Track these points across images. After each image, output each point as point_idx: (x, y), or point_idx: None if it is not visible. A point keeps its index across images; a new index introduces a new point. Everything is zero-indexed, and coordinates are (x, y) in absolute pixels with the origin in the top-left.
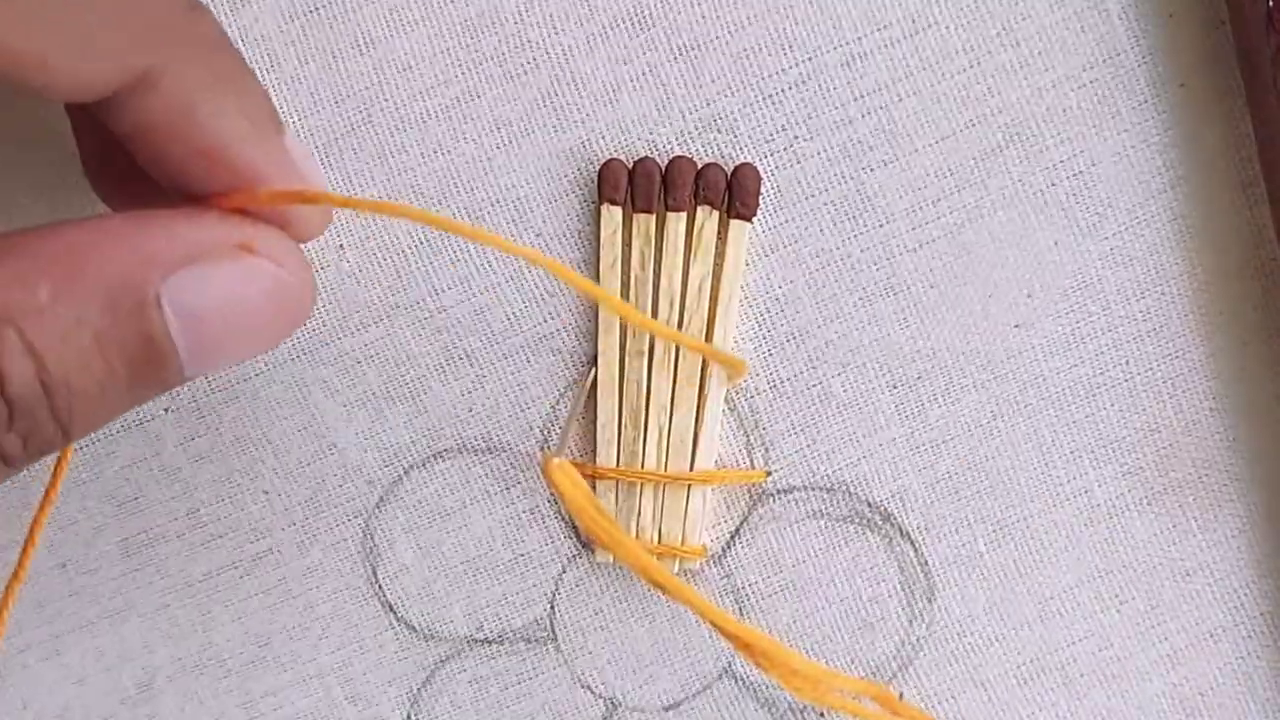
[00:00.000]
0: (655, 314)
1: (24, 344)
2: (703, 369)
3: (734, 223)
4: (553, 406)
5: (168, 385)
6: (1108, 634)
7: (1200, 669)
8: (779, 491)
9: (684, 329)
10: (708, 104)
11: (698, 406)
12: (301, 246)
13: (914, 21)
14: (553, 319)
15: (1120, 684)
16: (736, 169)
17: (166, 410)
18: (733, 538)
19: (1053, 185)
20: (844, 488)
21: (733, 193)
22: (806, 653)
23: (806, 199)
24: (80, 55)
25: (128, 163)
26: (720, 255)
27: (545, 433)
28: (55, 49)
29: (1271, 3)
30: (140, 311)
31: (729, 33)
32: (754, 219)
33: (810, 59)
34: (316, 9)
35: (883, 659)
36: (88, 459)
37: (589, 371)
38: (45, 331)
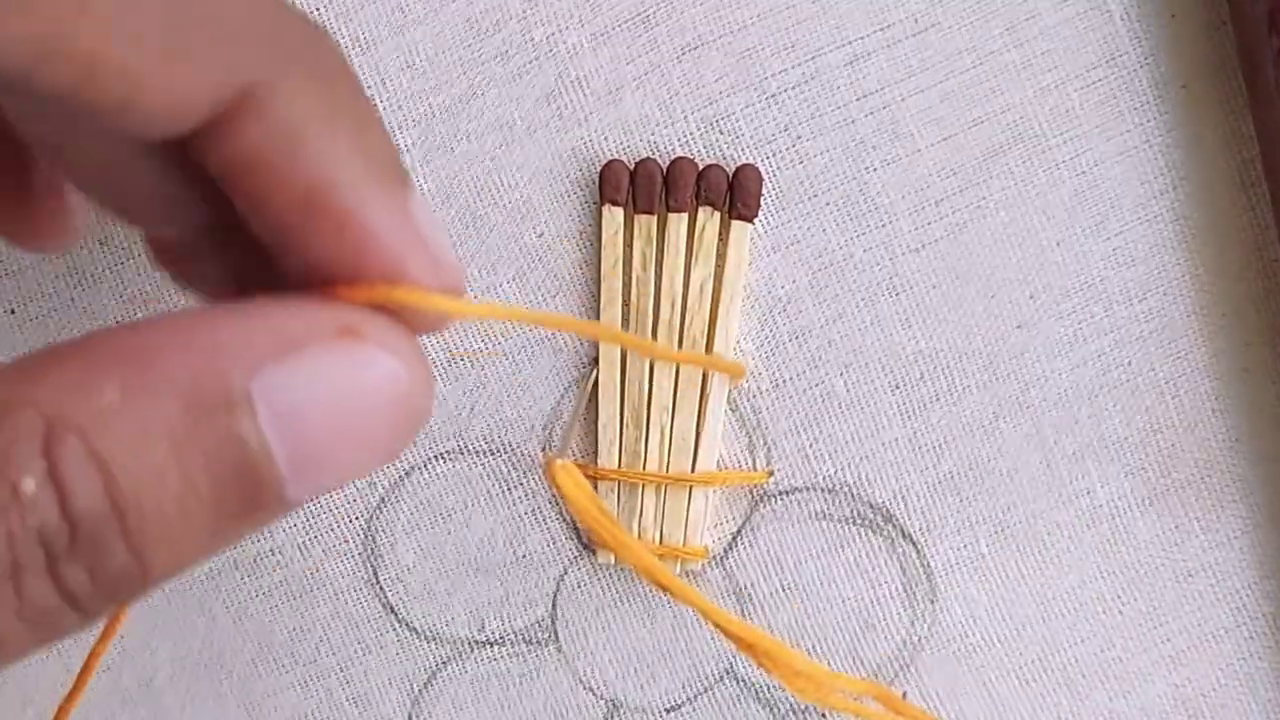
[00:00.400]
0: (657, 315)
1: (88, 453)
2: (704, 370)
3: (735, 224)
4: (554, 407)
5: (266, 509)
6: (1110, 635)
7: (1202, 670)
8: (781, 492)
9: (686, 330)
10: (710, 104)
11: (699, 407)
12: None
13: (916, 21)
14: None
15: (1122, 685)
16: (738, 170)
17: None
18: (735, 539)
19: (1055, 186)
20: (846, 489)
21: (734, 193)
22: (808, 653)
23: (809, 199)
24: (175, 66)
25: (212, 238)
26: (722, 256)
27: (547, 434)
28: (144, 56)
29: (1273, 4)
30: (227, 411)
31: (731, 33)
32: (756, 220)
33: (813, 59)
34: (318, 9)
35: (885, 660)
36: None
37: (590, 372)
38: (113, 439)
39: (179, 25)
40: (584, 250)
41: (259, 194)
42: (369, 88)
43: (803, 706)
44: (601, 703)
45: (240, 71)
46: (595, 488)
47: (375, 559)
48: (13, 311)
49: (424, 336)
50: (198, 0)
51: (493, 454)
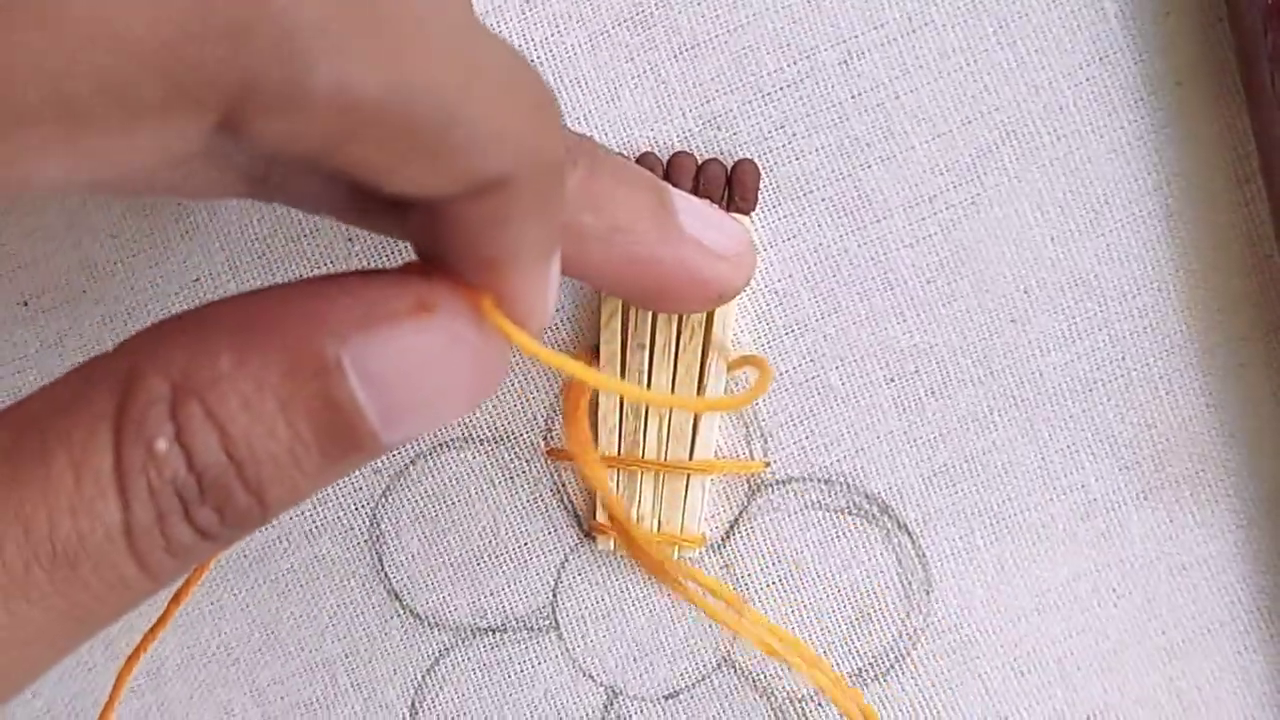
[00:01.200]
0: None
1: (206, 414)
2: (702, 362)
3: (734, 217)
4: (556, 397)
5: (367, 451)
6: (1104, 627)
7: (1197, 663)
8: (778, 482)
9: (684, 320)
10: (707, 102)
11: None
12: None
13: (910, 20)
14: (556, 311)
15: (1117, 677)
16: (736, 164)
17: None
18: (732, 527)
19: (1048, 182)
20: (842, 479)
21: (732, 188)
22: (805, 643)
23: (804, 195)
24: (431, 170)
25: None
26: None
27: (549, 423)
28: (408, 164)
29: (1269, 2)
30: (322, 376)
31: (728, 32)
32: (753, 214)
33: (808, 57)
34: None
35: (880, 650)
36: None
37: (591, 362)
38: (227, 401)
39: (443, 134)
40: None
41: (448, 250)
42: None
43: (799, 695)
44: (601, 689)
45: (484, 171)
46: None
47: (380, 546)
48: (26, 303)
49: None
50: (466, 105)
51: (496, 443)
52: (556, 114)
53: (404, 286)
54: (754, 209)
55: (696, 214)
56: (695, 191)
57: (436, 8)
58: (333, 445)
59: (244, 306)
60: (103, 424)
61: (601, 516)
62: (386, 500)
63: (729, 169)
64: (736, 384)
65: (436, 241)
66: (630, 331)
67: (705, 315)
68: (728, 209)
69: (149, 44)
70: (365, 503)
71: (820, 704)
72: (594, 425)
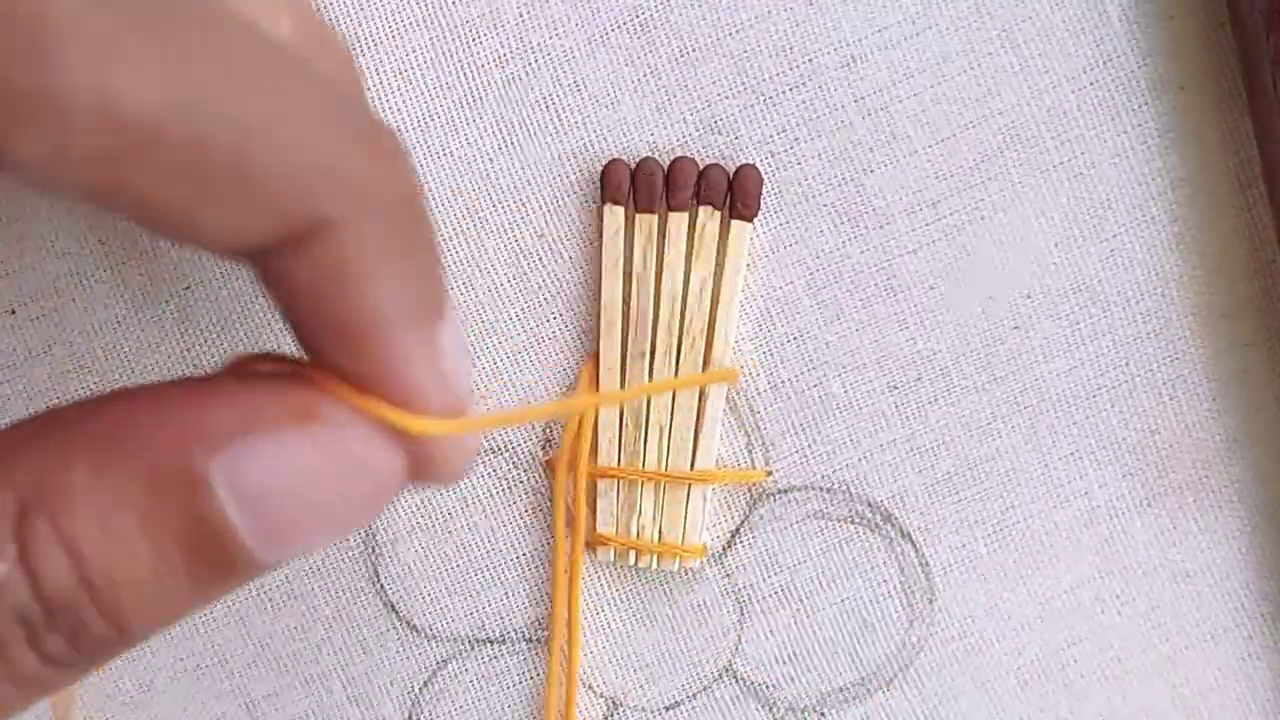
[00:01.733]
0: (656, 314)
1: (57, 534)
2: (704, 369)
3: (735, 223)
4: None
5: (241, 573)
6: (1108, 635)
7: (1201, 670)
8: (779, 491)
9: (685, 329)
10: (708, 106)
11: (698, 406)
12: None
13: (913, 23)
14: (555, 319)
15: (1121, 685)
16: (738, 170)
17: None
18: (733, 537)
19: (1052, 187)
20: (844, 488)
21: (734, 193)
22: (807, 653)
23: (806, 201)
24: (236, 209)
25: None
26: (721, 255)
27: (547, 433)
28: (206, 203)
29: (1270, 5)
30: (189, 490)
31: (729, 35)
32: (755, 220)
33: (810, 61)
34: (316, 10)
35: (883, 660)
36: None
37: (592, 370)
38: (81, 518)
39: (243, 164)
40: (584, 251)
41: (297, 313)
42: (369, 89)
43: (801, 704)
44: (601, 700)
45: (301, 209)
46: (595, 485)
47: (376, 557)
48: (13, 311)
49: None
50: (271, 132)
51: (493, 453)
52: (393, 145)
53: (286, 392)
54: (756, 215)
55: (454, 332)
56: (696, 197)
57: (230, 9)
58: (202, 567)
59: (107, 410)
60: None
61: (604, 526)
62: (382, 511)
63: (731, 174)
64: (738, 392)
65: (286, 308)
66: (630, 339)
67: (707, 323)
68: (730, 215)
69: None
70: None
71: (823, 714)
72: (594, 435)
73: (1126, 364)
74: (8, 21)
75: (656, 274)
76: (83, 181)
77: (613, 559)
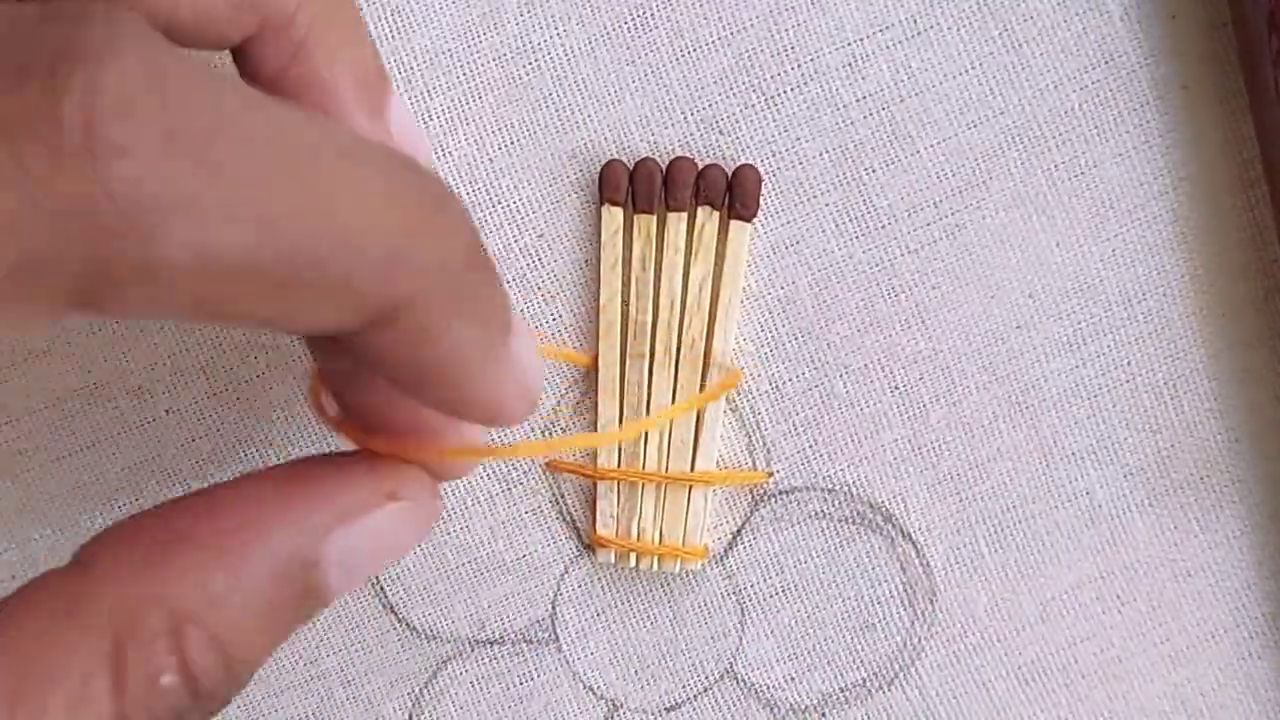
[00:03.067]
0: (656, 315)
1: (209, 640)
2: (704, 370)
3: (734, 224)
4: (554, 408)
5: (315, 614)
6: (1109, 634)
7: (1202, 670)
8: (781, 492)
9: (685, 329)
10: (709, 105)
11: (698, 408)
12: None
13: (915, 23)
14: (554, 321)
15: (1122, 684)
16: (737, 170)
17: (168, 412)
18: (735, 538)
19: (1054, 186)
20: (846, 489)
21: (733, 193)
22: (809, 653)
23: (808, 200)
24: (325, 309)
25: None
26: (721, 256)
27: (547, 434)
28: (289, 311)
29: (1274, 4)
30: (306, 572)
31: (730, 34)
32: (755, 220)
33: (812, 60)
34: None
35: (885, 660)
36: (90, 461)
37: (590, 370)
38: (225, 620)
39: (326, 272)
40: (584, 251)
41: (391, 372)
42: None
43: (803, 706)
44: (602, 702)
45: (382, 299)
46: (595, 487)
47: None
48: None
49: None
50: (350, 239)
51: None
52: (450, 206)
53: (375, 479)
54: (755, 215)
55: (525, 341)
56: (695, 197)
57: (288, 142)
58: (298, 625)
59: (223, 517)
60: (100, 667)
61: (604, 528)
62: None
63: (730, 174)
64: (739, 393)
65: (379, 369)
66: (630, 341)
67: (706, 324)
68: (729, 215)
69: None
70: None
71: (824, 714)
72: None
73: (1128, 363)
74: (105, 204)
75: (655, 275)
76: (179, 315)
77: (613, 561)
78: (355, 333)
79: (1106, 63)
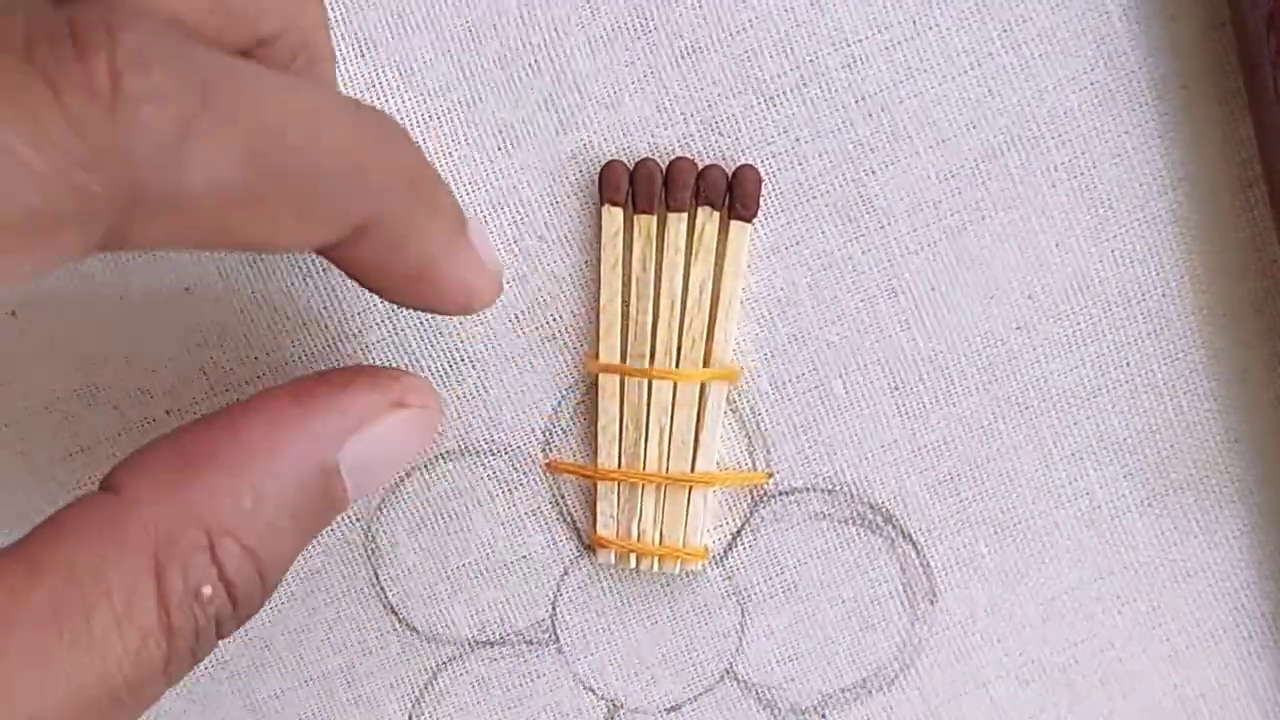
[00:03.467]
0: (656, 315)
1: (242, 549)
2: (704, 370)
3: (734, 224)
4: (555, 409)
5: (335, 516)
6: (1109, 635)
7: (1202, 670)
8: (781, 493)
9: (685, 329)
10: (709, 106)
11: (698, 408)
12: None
13: (915, 24)
14: (555, 321)
15: (1122, 685)
16: (737, 170)
17: (168, 413)
18: (735, 539)
19: (1053, 187)
20: (846, 489)
21: (733, 194)
22: (809, 654)
23: (808, 201)
24: (304, 224)
25: None
26: (721, 256)
27: (546, 435)
28: (282, 228)
29: (1273, 4)
30: (326, 481)
31: (730, 35)
32: (755, 220)
33: (811, 61)
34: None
35: (885, 660)
36: (92, 461)
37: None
38: (255, 532)
39: (314, 197)
40: (585, 253)
41: (365, 276)
42: (371, 90)
43: (803, 707)
44: (602, 703)
45: (358, 216)
46: (595, 488)
47: (377, 560)
48: (14, 313)
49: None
50: (328, 166)
51: (493, 455)
52: (396, 131)
53: (381, 389)
54: (755, 215)
55: (476, 230)
56: (695, 197)
57: (270, 85)
58: (320, 528)
59: (247, 434)
60: (143, 582)
61: (604, 529)
62: (382, 514)
63: (730, 175)
64: (740, 394)
65: (354, 275)
66: (630, 341)
67: (707, 324)
68: (729, 215)
69: (41, 177)
70: (361, 516)
71: (824, 715)
72: (593, 437)
73: (1127, 364)
74: (139, 139)
75: (656, 275)
76: (193, 241)
77: (613, 562)
78: (334, 247)
79: (1106, 63)
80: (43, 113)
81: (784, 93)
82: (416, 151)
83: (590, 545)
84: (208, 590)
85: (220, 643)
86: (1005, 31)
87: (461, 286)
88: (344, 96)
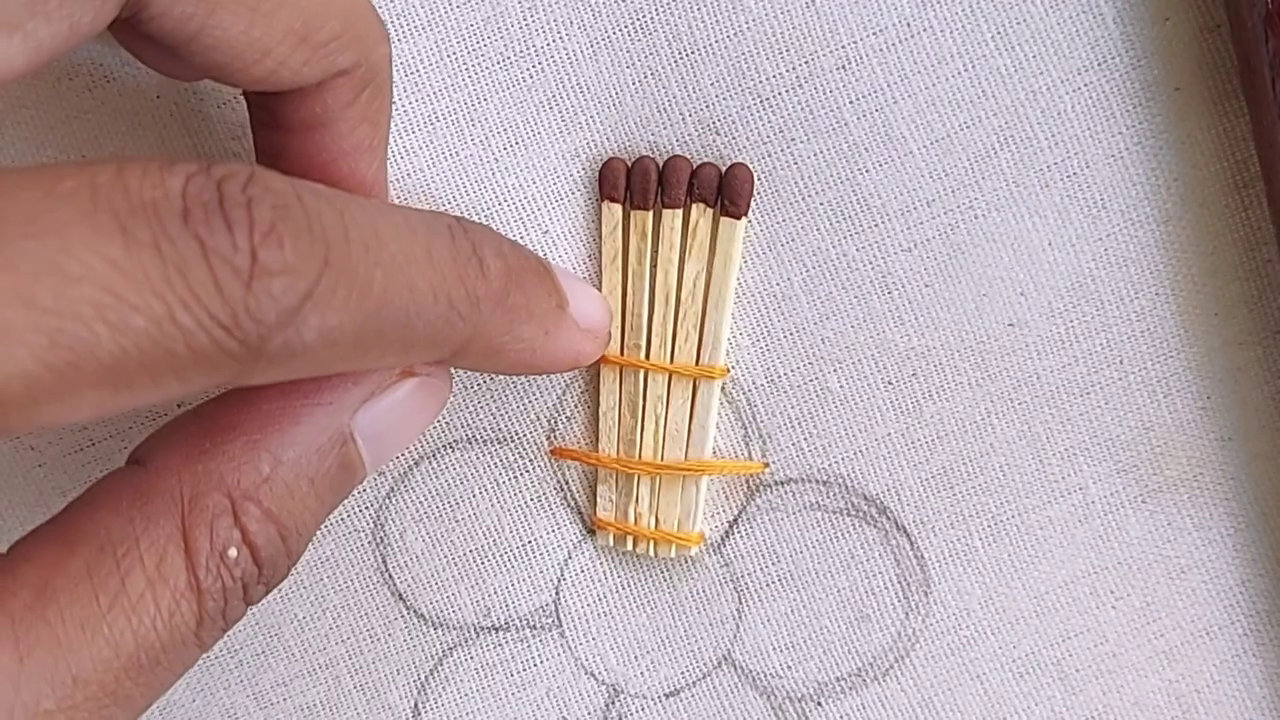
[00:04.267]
0: (651, 308)
1: (264, 515)
2: (696, 362)
3: (726, 220)
4: (559, 397)
5: (355, 484)
6: (1103, 630)
7: (1195, 666)
8: (777, 483)
9: (680, 323)
10: (707, 107)
11: (692, 396)
12: None
13: (909, 25)
14: None
15: (1116, 679)
16: (730, 168)
17: (180, 406)
18: (731, 527)
19: (1047, 187)
20: (841, 481)
21: (725, 191)
22: (805, 642)
23: (803, 199)
24: (402, 358)
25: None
26: (714, 252)
27: (551, 423)
28: (383, 363)
29: (1271, 6)
30: (342, 448)
31: (727, 38)
32: (746, 217)
33: (806, 63)
34: None
35: (879, 651)
36: (102, 454)
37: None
38: (276, 497)
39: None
40: (588, 247)
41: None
42: None
43: (799, 693)
44: (602, 688)
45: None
46: (596, 473)
47: (385, 547)
48: None
49: None
50: (417, 314)
51: (499, 443)
52: (475, 249)
53: None
54: (746, 213)
55: (580, 295)
56: (689, 194)
57: (372, 235)
58: (341, 495)
59: (255, 401)
60: (172, 546)
61: (603, 512)
62: (390, 502)
63: (723, 173)
64: (737, 387)
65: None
66: (627, 333)
67: (700, 318)
68: (721, 213)
69: None
70: (369, 504)
71: (820, 703)
72: (592, 424)
73: (1120, 361)
74: (273, 300)
75: (651, 269)
76: (292, 376)
77: (611, 544)
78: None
79: (1099, 64)
80: (193, 275)
81: (779, 94)
82: (505, 266)
83: (592, 529)
84: (233, 553)
85: (226, 633)
86: (999, 33)
87: (564, 359)
88: (440, 224)
